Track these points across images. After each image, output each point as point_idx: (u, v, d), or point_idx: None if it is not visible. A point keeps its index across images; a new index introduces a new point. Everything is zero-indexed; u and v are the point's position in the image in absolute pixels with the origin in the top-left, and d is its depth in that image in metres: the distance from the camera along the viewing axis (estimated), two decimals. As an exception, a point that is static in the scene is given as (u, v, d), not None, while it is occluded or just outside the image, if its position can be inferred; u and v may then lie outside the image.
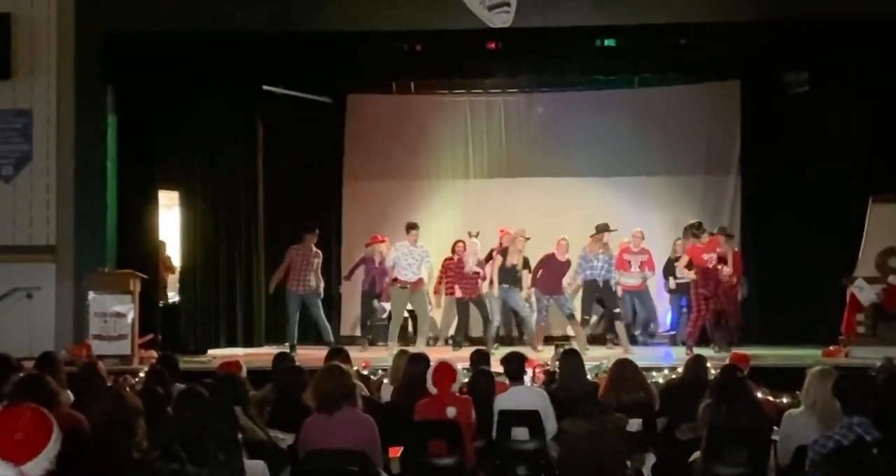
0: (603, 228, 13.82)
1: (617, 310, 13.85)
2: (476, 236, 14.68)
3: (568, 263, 14.04)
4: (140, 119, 13.68)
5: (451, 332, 14.87)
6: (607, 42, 13.38)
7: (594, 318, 14.44)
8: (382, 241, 14.74)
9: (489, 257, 14.58)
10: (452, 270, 14.58)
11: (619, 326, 13.75)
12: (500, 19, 12.88)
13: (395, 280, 13.95)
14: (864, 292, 12.42)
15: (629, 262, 14.30)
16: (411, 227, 14.08)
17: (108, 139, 13.32)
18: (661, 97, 15.88)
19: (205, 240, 14.81)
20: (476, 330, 14.86)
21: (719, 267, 13.07)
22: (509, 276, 14.01)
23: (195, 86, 14.18)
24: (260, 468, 4.74)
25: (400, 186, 16.41)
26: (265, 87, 15.08)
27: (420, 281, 13.94)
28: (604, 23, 13.03)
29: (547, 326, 14.11)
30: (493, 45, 13.29)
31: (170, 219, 14.77)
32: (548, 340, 13.65)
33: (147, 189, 13.88)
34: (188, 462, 2.62)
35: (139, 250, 13.53)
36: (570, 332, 14.25)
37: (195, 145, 14.73)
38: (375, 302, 14.85)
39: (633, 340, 14.20)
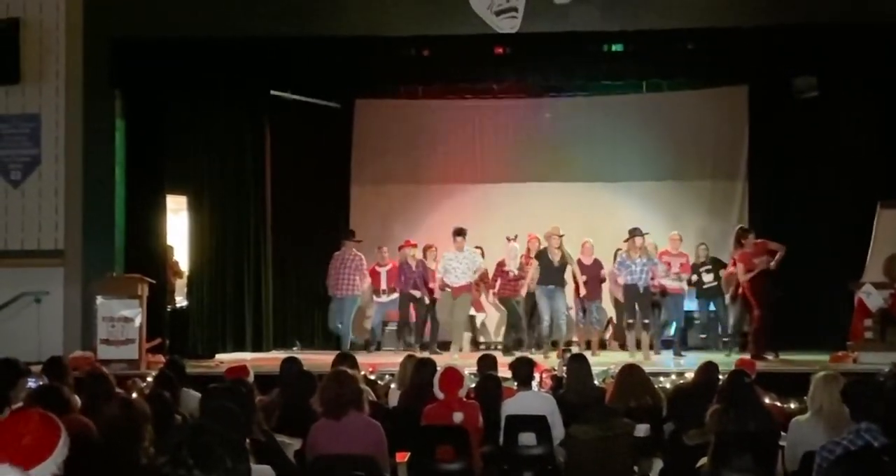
0: (634, 232, 13.57)
1: (647, 320, 13.55)
2: (515, 240, 14.61)
3: (596, 264, 14.04)
4: (148, 123, 13.71)
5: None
6: (615, 47, 13.35)
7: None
8: (414, 246, 14.70)
9: (522, 266, 14.45)
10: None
11: (645, 337, 13.48)
12: (508, 24, 12.90)
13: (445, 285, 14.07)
14: (871, 298, 12.39)
15: (669, 264, 14.20)
16: (457, 233, 14.07)
17: (117, 143, 13.35)
18: (669, 102, 15.89)
19: (213, 244, 14.85)
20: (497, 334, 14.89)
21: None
22: (555, 276, 13.79)
23: (203, 90, 14.20)
24: (267, 474, 4.73)
25: (407, 191, 16.43)
26: (273, 92, 15.11)
27: (464, 287, 13.96)
28: (611, 28, 13.02)
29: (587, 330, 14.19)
30: (500, 50, 13.28)
31: (177, 223, 14.79)
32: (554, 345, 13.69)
33: (155, 193, 13.90)
34: (195, 468, 2.62)
35: (147, 255, 13.54)
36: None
37: (203, 150, 14.79)
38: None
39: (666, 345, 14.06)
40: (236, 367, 8.98)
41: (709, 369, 8.40)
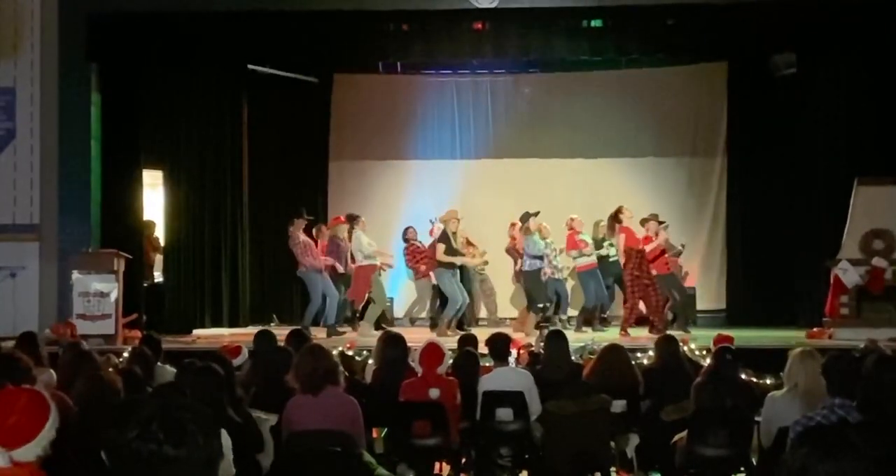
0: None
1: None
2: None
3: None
4: (125, 98, 13.63)
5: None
6: (594, 23, 13.35)
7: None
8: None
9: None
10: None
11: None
12: (487, 0, 12.84)
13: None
14: (848, 274, 12.43)
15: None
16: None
17: (93, 118, 13.26)
18: (649, 78, 15.86)
19: (189, 219, 14.75)
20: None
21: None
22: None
23: (180, 65, 14.07)
24: (226, 442, 4.69)
25: (386, 166, 16.38)
26: (251, 67, 15.00)
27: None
28: (591, 3, 13.05)
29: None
30: (479, 26, 13.27)
31: (154, 198, 14.71)
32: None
33: (131, 168, 13.83)
34: (166, 443, 2.57)
35: (123, 230, 13.48)
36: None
37: (180, 124, 14.69)
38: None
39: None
40: (231, 347, 8.86)
41: (668, 343, 8.32)
